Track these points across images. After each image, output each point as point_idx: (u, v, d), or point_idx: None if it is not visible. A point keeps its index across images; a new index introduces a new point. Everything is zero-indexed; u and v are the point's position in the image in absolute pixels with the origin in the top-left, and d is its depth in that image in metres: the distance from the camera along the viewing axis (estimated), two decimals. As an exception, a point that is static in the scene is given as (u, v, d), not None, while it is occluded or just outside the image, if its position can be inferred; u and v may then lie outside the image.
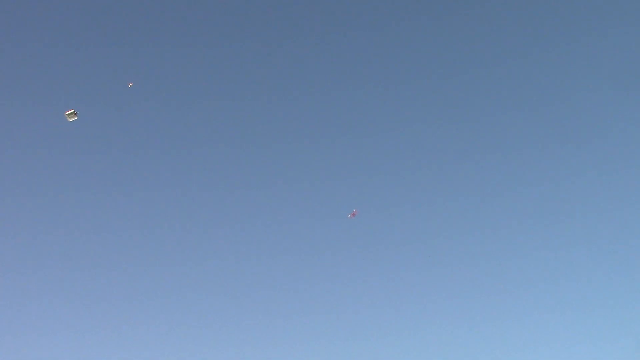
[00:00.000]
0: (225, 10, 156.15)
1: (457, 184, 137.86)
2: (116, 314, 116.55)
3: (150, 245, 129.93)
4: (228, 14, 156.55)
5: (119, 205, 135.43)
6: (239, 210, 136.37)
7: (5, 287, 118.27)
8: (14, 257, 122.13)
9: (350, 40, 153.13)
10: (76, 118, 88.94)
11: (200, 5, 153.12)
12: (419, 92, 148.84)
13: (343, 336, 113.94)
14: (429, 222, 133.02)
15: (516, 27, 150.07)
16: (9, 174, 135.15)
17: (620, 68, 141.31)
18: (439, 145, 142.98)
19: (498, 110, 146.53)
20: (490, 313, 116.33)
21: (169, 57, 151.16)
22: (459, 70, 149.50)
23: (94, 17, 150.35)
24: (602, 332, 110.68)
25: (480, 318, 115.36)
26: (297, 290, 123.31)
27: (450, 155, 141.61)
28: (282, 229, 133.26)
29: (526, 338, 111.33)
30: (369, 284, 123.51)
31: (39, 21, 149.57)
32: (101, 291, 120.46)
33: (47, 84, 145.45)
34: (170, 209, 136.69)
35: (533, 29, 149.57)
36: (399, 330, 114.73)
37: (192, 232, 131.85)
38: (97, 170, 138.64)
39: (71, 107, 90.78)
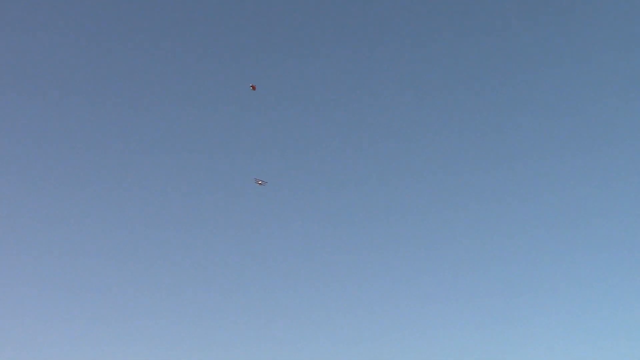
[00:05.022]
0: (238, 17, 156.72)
1: (464, 188, 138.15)
2: (117, 314, 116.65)
3: (151, 246, 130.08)
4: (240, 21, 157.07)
5: (120, 206, 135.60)
6: (239, 212, 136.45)
7: (6, 287, 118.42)
8: (16, 256, 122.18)
9: (360, 49, 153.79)
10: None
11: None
12: (429, 100, 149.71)
13: (343, 337, 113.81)
14: (433, 226, 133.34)
15: (521, 34, 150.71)
16: (10, 173, 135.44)
17: (623, 75, 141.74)
18: (445, 151, 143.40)
19: (503, 116, 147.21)
20: (491, 314, 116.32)
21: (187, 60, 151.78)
22: (466, 78, 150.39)
23: (99, 18, 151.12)
24: (602, 333, 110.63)
25: (481, 319, 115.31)
26: (298, 291, 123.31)
27: (457, 161, 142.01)
28: (284, 230, 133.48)
29: (526, 338, 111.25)
30: (370, 285, 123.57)
31: (39, 21, 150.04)
32: (102, 291, 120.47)
33: (48, 83, 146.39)
34: (169, 210, 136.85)
35: (538, 36, 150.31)
36: (399, 330, 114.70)
37: (192, 234, 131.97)
38: (96, 171, 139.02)
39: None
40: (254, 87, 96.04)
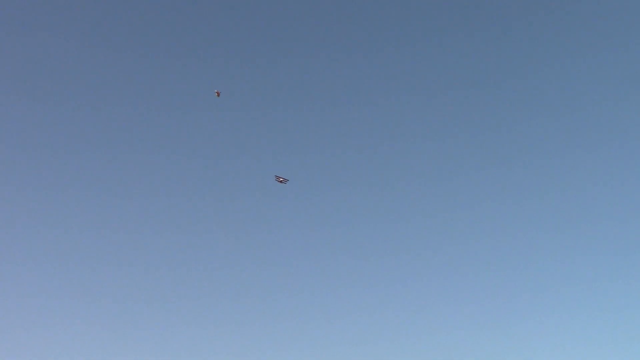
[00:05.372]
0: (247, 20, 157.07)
1: (464, 190, 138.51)
2: (119, 315, 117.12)
3: (155, 247, 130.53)
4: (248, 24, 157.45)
5: (121, 207, 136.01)
6: (240, 214, 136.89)
7: (6, 287, 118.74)
8: (18, 256, 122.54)
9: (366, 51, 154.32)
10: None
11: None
12: (429, 101, 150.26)
13: (344, 337, 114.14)
14: (434, 226, 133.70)
15: (521, 34, 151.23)
16: (11, 173, 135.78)
17: (623, 74, 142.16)
18: (445, 153, 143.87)
19: (503, 116, 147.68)
20: (491, 314, 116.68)
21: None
22: (466, 78, 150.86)
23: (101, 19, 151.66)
24: (602, 332, 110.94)
25: (481, 319, 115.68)
26: (299, 291, 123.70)
27: (457, 162, 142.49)
28: (285, 232, 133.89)
29: (526, 338, 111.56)
30: (371, 287, 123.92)
31: (40, 21, 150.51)
32: (103, 291, 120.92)
33: (49, 83, 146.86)
34: (170, 212, 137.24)
35: (538, 36, 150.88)
36: (399, 330, 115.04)
37: (193, 235, 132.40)
38: (97, 172, 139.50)
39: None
40: (218, 94, 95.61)
